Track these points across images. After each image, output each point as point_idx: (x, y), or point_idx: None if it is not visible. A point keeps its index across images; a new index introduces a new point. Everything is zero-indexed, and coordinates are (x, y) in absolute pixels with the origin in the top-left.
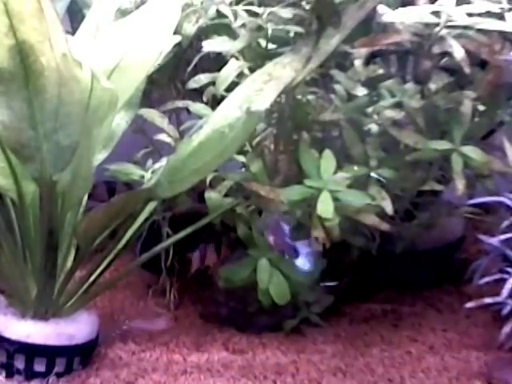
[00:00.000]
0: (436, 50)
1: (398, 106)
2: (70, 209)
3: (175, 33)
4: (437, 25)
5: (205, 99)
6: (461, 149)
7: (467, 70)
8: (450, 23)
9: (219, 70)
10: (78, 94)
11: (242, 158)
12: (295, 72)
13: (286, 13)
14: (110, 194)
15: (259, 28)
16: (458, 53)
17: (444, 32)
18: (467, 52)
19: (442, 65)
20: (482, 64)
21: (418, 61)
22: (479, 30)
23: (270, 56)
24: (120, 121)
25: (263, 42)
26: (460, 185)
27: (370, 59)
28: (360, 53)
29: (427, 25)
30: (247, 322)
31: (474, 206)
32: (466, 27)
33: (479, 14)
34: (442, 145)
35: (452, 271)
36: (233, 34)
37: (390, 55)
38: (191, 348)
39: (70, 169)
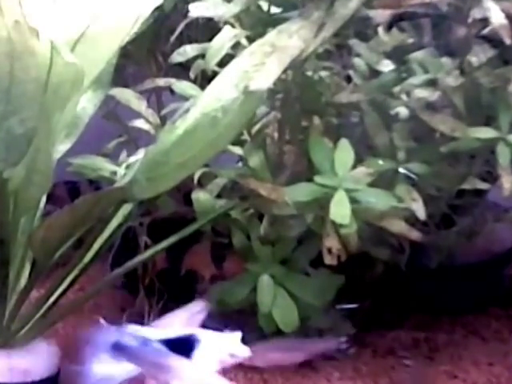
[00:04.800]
0: (476, 14)
1: (432, 84)
2: (24, 213)
3: None
4: None
5: (192, 76)
6: (509, 138)
7: (508, 40)
8: None
9: (210, 39)
10: (34, 70)
11: (238, 150)
12: (304, 42)
13: None
14: (72, 196)
15: None
16: (496, 18)
17: None
18: (510, 18)
19: (486, 34)
20: None
21: (453, 27)
22: None
23: (273, 22)
24: (87, 103)
25: (265, 5)
26: (507, 183)
27: (393, 24)
28: (383, 16)
29: None
30: None
31: None
32: None
33: None
34: (486, 133)
35: (500, 290)
36: None
37: (422, 19)
38: None
39: (24, 163)
